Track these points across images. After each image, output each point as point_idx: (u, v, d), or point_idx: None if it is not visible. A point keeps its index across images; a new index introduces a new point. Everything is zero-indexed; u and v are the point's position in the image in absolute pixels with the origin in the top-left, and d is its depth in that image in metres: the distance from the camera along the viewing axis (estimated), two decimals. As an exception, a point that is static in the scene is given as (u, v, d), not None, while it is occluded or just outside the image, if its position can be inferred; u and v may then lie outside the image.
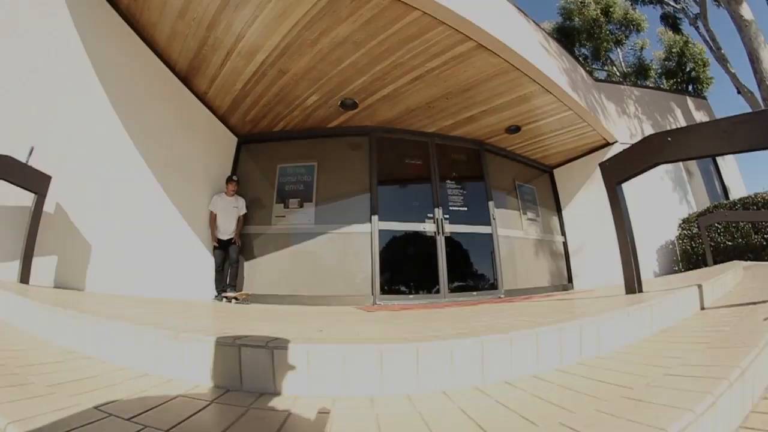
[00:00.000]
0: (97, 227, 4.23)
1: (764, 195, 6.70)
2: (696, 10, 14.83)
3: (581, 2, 20.86)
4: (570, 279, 8.43)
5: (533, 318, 2.23)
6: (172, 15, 4.70)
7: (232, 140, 7.16)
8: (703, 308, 2.62)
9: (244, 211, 6.56)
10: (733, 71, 12.02)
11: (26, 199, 3.39)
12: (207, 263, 6.14)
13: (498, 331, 1.63)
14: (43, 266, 3.59)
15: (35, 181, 3.40)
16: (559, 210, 8.94)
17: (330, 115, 6.72)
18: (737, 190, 10.74)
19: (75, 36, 4.06)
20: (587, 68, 20.96)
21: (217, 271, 6.19)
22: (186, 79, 5.81)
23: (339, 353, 1.45)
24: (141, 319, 2.05)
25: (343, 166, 6.96)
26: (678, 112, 10.37)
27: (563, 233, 8.77)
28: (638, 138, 8.54)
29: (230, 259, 6.23)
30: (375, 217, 6.52)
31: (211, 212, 6.28)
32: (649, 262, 7.86)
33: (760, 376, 1.39)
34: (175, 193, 5.50)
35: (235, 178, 6.50)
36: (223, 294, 6.03)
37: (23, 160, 3.36)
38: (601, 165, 3.39)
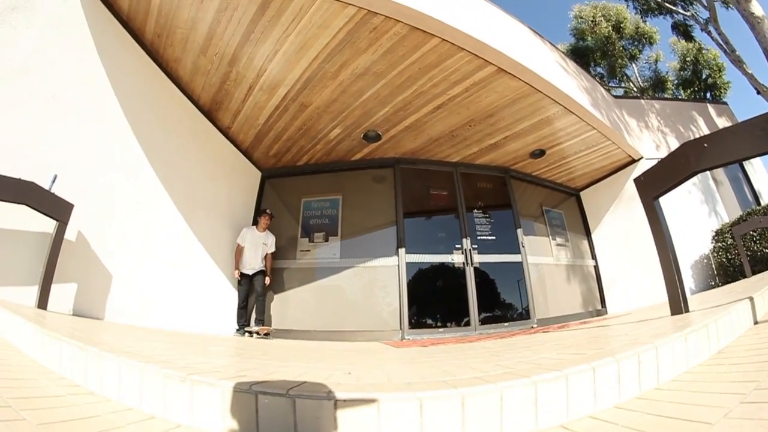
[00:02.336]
0: (118, 257, 4.21)
1: None
2: (706, 14, 14.61)
3: (592, 21, 20.87)
4: (603, 303, 8.12)
5: (579, 350, 2.01)
6: (194, 51, 4.78)
7: (256, 175, 7.17)
8: (756, 323, 2.42)
9: (273, 249, 6.35)
10: (750, 72, 11.72)
11: (48, 225, 3.39)
12: (228, 297, 6.05)
13: (550, 369, 1.43)
14: (63, 293, 3.57)
15: (57, 209, 3.41)
16: (588, 233, 8.67)
17: (353, 147, 6.70)
18: None
19: (100, 69, 4.13)
20: (605, 87, 21.01)
21: (240, 306, 6.02)
22: (209, 114, 5.86)
23: (373, 404, 1.24)
24: (152, 355, 1.92)
25: (369, 199, 6.90)
26: (700, 121, 10.11)
27: (594, 257, 8.46)
28: (664, 152, 8.37)
29: (256, 292, 6.08)
30: (402, 250, 6.39)
31: (238, 245, 6.13)
32: (684, 280, 7.52)
33: None
34: (198, 226, 5.48)
35: (269, 212, 6.34)
36: (246, 328, 5.90)
37: (46, 187, 3.38)
38: (636, 180, 3.25)
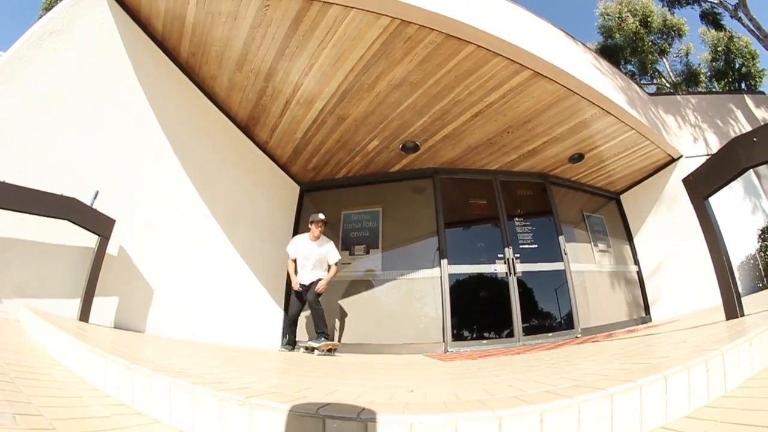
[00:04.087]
0: (159, 271, 4.32)
1: None
2: (734, 0, 14.31)
3: (618, 17, 20.43)
4: (647, 311, 7.86)
5: (640, 359, 1.98)
6: (230, 68, 4.88)
7: (295, 189, 7.26)
8: None
9: (337, 257, 5.69)
10: None
11: (90, 240, 3.50)
12: (270, 312, 6.12)
13: (623, 381, 1.36)
14: (104, 306, 3.67)
15: (99, 224, 3.52)
16: (630, 238, 8.42)
17: (392, 159, 6.71)
18: None
19: (139, 89, 4.28)
20: (638, 84, 20.68)
21: (290, 322, 5.63)
22: (247, 129, 5.97)
23: (450, 425, 1.18)
24: (202, 375, 1.87)
25: (409, 210, 6.89)
26: (738, 113, 9.68)
27: (636, 262, 8.19)
28: (702, 148, 8.13)
29: (308, 302, 5.50)
30: (444, 261, 6.32)
31: (289, 258, 5.73)
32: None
33: None
34: (238, 241, 5.57)
35: (322, 217, 5.66)
36: (303, 344, 5.56)
37: (88, 203, 3.49)
38: (685, 180, 3.18)
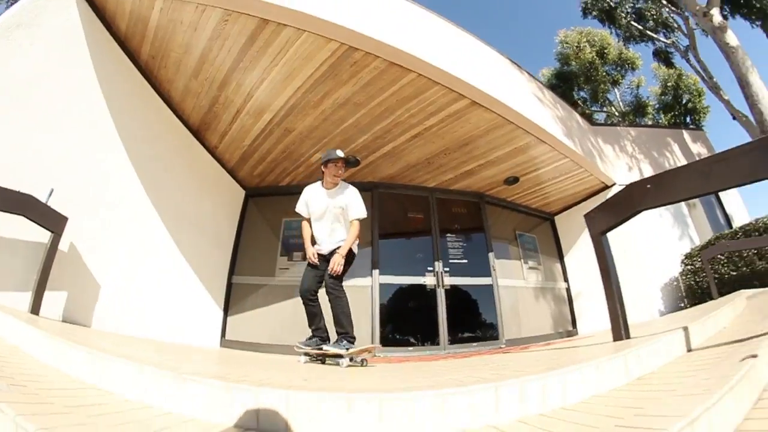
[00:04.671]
0: (106, 269, 4.42)
1: (765, 220, 6.66)
2: (686, 42, 15.20)
3: (577, 46, 21.43)
4: (574, 324, 8.39)
5: (503, 370, 2.39)
6: (186, 74, 5.04)
7: (240, 193, 7.40)
8: (689, 350, 2.63)
9: (357, 212, 4.22)
10: (726, 98, 12.26)
11: (43, 236, 3.61)
12: (211, 311, 6.25)
13: (458, 384, 1.78)
14: (54, 300, 3.77)
15: (53, 221, 3.62)
16: (561, 257, 8.98)
17: (334, 171, 6.90)
18: (740, 217, 10.73)
19: (97, 87, 4.37)
20: (587, 111, 21.64)
21: (307, 310, 4.10)
22: (197, 133, 6.11)
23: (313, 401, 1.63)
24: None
25: (346, 221, 7.05)
26: (675, 147, 10.55)
27: (566, 279, 8.78)
28: (636, 177, 8.66)
29: (326, 287, 4.03)
30: (376, 271, 6.64)
31: (303, 219, 4.42)
32: (654, 301, 7.82)
33: (721, 421, 1.37)
34: (183, 240, 5.68)
35: (340, 154, 4.28)
36: (305, 346, 4.07)
37: (43, 200, 3.60)
38: (586, 216, 3.51)
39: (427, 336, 6.62)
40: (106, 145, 4.51)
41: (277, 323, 6.46)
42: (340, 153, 4.26)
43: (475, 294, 7.24)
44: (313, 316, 4.12)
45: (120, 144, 4.67)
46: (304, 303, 4.09)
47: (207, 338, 6.06)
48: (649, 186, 2.91)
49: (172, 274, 5.53)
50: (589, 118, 9.72)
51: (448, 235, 7.44)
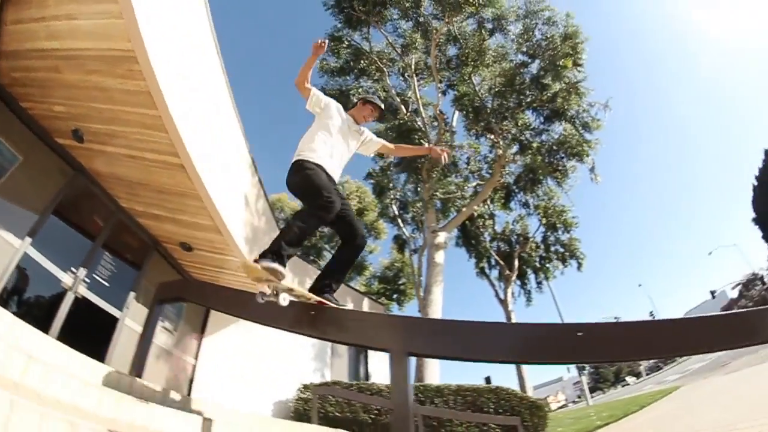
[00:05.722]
0: None
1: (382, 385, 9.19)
2: (419, 243, 22.30)
3: (347, 194, 26.30)
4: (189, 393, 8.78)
5: None
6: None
7: None
8: None
9: (376, 140, 4.15)
10: (421, 296, 17.13)
11: None
12: None
13: None
14: None
15: None
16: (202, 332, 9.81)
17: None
18: (379, 377, 13.20)
19: None
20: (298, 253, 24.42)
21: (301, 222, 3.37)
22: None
23: None
24: None
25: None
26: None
27: (197, 356, 9.46)
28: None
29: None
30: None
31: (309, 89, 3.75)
32: (265, 412, 9.56)
33: None
34: None
35: (374, 100, 4.04)
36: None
37: None
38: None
39: None
40: None
41: None
42: (382, 105, 4.12)
43: (101, 319, 7.08)
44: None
45: None
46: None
47: None
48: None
49: None
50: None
51: (107, 254, 7.34)
